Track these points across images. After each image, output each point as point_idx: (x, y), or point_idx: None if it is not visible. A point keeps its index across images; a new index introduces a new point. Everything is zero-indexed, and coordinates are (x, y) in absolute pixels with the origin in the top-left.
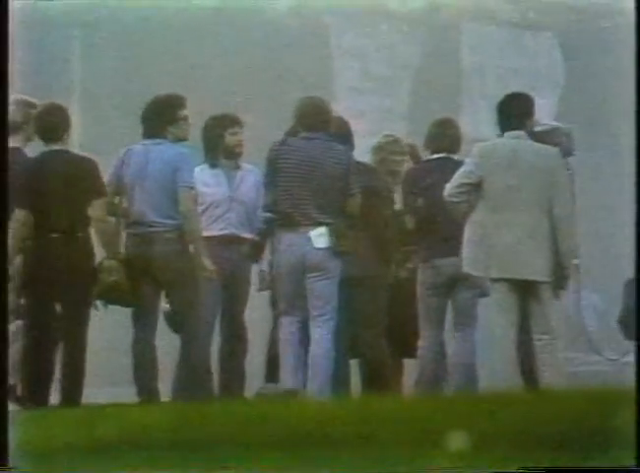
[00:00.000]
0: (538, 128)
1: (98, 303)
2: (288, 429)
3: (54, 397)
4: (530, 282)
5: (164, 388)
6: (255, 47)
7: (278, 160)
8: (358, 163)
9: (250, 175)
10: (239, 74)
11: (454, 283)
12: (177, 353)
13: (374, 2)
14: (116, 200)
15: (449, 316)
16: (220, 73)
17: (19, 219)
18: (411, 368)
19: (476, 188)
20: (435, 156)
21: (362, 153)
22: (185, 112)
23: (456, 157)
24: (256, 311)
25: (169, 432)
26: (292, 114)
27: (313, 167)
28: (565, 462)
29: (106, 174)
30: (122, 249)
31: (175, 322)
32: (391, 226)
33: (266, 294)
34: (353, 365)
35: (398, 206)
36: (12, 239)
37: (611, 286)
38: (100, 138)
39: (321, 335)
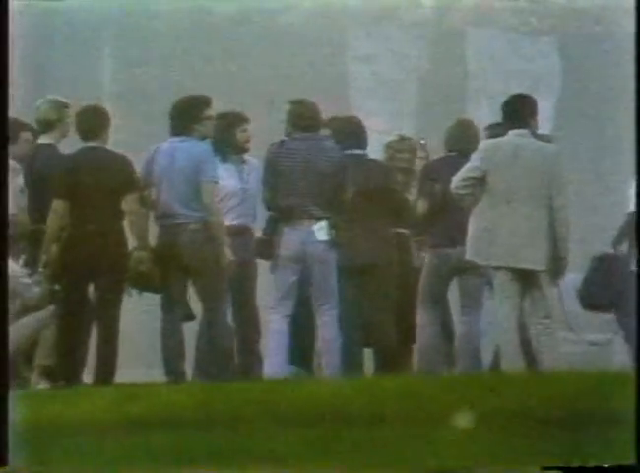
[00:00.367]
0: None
1: (131, 289)
2: (303, 408)
3: (87, 377)
4: (529, 270)
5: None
6: (273, 51)
7: (276, 160)
8: (370, 159)
9: (255, 169)
10: (258, 75)
11: (460, 271)
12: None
13: (385, 9)
14: (146, 194)
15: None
16: (239, 74)
17: (56, 209)
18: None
19: (480, 182)
20: (452, 153)
21: (374, 150)
22: (210, 112)
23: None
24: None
25: (195, 410)
26: (285, 117)
27: (309, 165)
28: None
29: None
30: (151, 240)
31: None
32: (401, 216)
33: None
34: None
35: (409, 198)
36: (49, 228)
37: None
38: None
39: (328, 322)
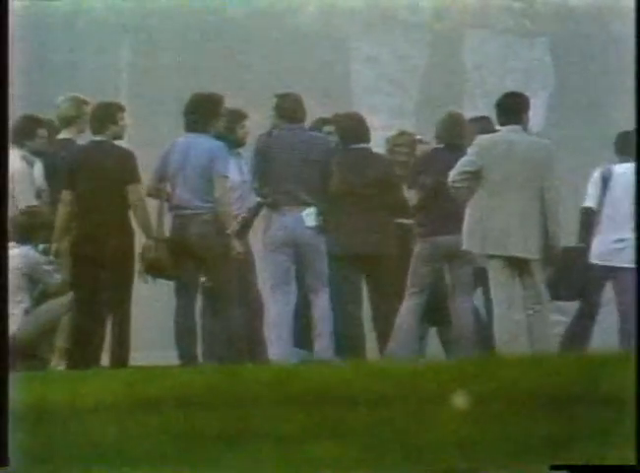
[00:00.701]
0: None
1: (146, 276)
2: (309, 389)
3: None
4: (522, 258)
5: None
6: (281, 51)
7: (264, 150)
8: (373, 153)
9: (245, 162)
10: (266, 73)
11: (449, 258)
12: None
13: (387, 12)
14: (162, 186)
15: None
16: (248, 72)
17: (64, 200)
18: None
19: (476, 176)
20: (441, 146)
21: (377, 145)
22: (223, 109)
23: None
24: None
25: (206, 391)
26: (272, 109)
27: (295, 154)
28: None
29: (154, 164)
30: (165, 230)
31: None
32: (399, 207)
33: None
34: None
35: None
36: (58, 218)
37: None
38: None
39: (320, 305)
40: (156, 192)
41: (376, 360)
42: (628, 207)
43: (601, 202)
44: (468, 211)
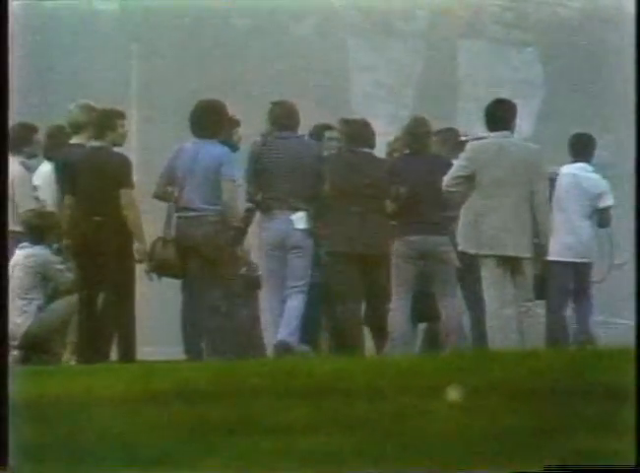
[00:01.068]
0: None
1: (152, 275)
2: (309, 383)
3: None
4: (514, 257)
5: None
6: (283, 60)
7: (258, 156)
8: (377, 157)
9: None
10: (271, 82)
11: (425, 258)
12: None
13: (384, 22)
14: (169, 189)
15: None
16: (253, 80)
17: (67, 204)
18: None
19: (469, 180)
20: (408, 152)
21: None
22: (227, 117)
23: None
24: None
25: (211, 385)
26: (267, 117)
27: (289, 161)
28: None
29: (162, 168)
30: (172, 230)
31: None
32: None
33: None
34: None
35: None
36: (62, 221)
37: None
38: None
39: (294, 304)
40: (163, 195)
41: (374, 355)
42: (575, 205)
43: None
44: (462, 213)
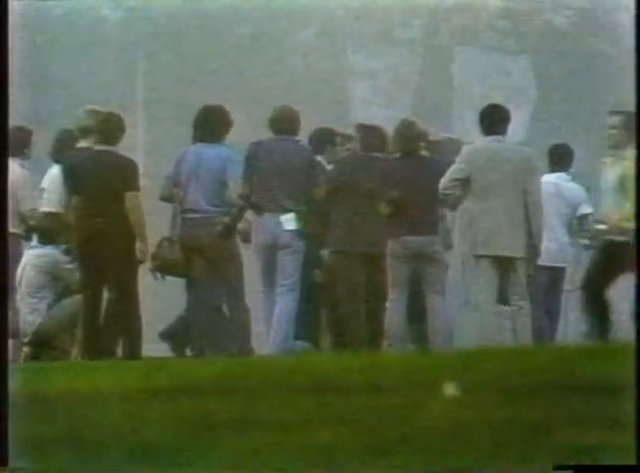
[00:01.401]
0: (433, 138)
1: (157, 274)
2: (310, 378)
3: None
4: (508, 257)
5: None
6: (285, 66)
7: (253, 158)
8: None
9: None
10: (272, 87)
11: (418, 258)
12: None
13: (382, 31)
14: (175, 191)
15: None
16: (257, 86)
17: (75, 205)
18: None
19: (464, 182)
20: (398, 154)
21: None
22: (231, 120)
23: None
24: None
25: (214, 381)
26: (267, 120)
27: (281, 163)
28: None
29: (168, 171)
30: (177, 231)
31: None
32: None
33: None
34: None
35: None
36: (71, 222)
37: None
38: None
39: (284, 302)
40: (169, 197)
41: (373, 351)
42: (555, 212)
43: None
44: (458, 215)
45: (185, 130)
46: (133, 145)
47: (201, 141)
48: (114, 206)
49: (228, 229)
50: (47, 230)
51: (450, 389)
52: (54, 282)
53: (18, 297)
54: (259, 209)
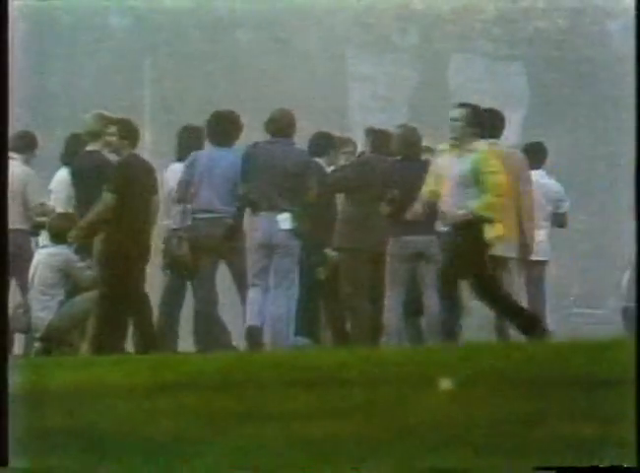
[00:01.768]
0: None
1: (167, 271)
2: (310, 373)
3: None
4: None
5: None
6: (287, 72)
7: (250, 159)
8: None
9: None
10: (274, 92)
11: (417, 256)
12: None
13: (381, 37)
14: (188, 193)
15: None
16: (259, 91)
17: (106, 203)
18: None
19: None
20: (398, 157)
21: None
22: (241, 124)
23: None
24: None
25: (219, 375)
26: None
27: (277, 165)
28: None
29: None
30: (188, 230)
31: None
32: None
33: None
34: None
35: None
36: (96, 218)
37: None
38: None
39: (280, 300)
40: (183, 198)
41: (370, 347)
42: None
43: None
44: None
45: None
46: (140, 149)
47: (213, 144)
48: (135, 210)
49: (232, 228)
50: (59, 229)
51: (446, 383)
52: (66, 280)
53: (30, 294)
54: (256, 208)
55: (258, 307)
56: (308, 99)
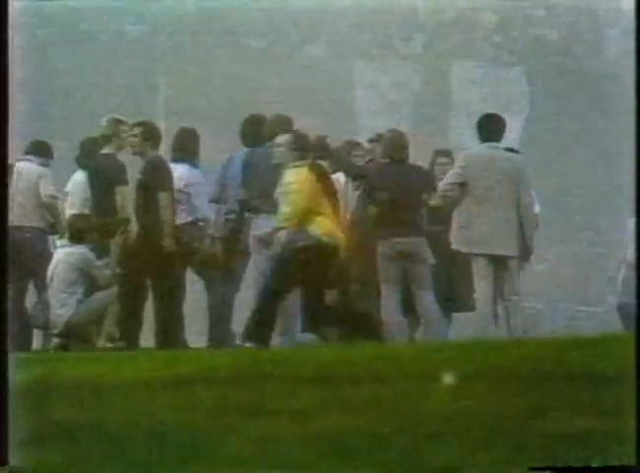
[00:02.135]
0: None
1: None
2: (318, 369)
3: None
4: (502, 256)
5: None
6: (295, 78)
7: (249, 164)
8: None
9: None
10: (284, 98)
11: (406, 257)
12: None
13: (387, 45)
14: (223, 193)
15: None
16: (268, 96)
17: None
18: None
19: (462, 186)
20: (387, 160)
21: None
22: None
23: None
24: None
25: (231, 371)
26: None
27: (273, 168)
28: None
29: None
30: (221, 230)
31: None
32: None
33: None
34: None
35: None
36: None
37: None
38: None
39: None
40: (218, 198)
41: (376, 344)
42: None
43: None
44: (455, 216)
45: (203, 137)
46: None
47: (247, 146)
48: (152, 206)
49: (234, 232)
50: (78, 230)
51: (449, 379)
52: (84, 278)
53: (50, 292)
54: (256, 211)
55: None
56: (315, 103)
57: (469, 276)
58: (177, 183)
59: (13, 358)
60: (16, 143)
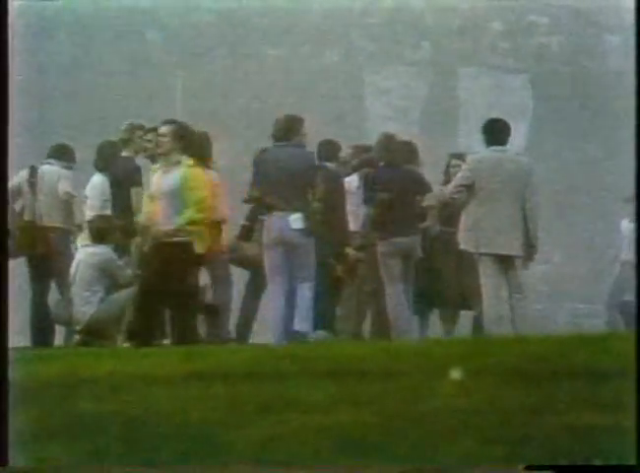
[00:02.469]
0: None
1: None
2: (332, 365)
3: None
4: (508, 256)
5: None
6: (308, 85)
7: (260, 163)
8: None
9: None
10: (299, 105)
11: (405, 256)
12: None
13: (395, 52)
14: (257, 192)
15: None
16: (279, 101)
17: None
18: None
19: (469, 188)
20: (382, 163)
21: None
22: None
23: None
24: None
25: (246, 366)
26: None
27: (285, 167)
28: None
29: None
30: (257, 230)
31: None
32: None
33: None
34: None
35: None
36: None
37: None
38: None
39: (303, 292)
40: (253, 198)
41: (387, 340)
42: None
43: None
44: (463, 217)
45: (220, 141)
46: None
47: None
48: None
49: (247, 230)
50: (100, 230)
51: (456, 374)
52: (105, 277)
53: (72, 290)
54: (269, 209)
55: (279, 303)
56: (329, 110)
57: (476, 275)
58: None
59: (31, 354)
60: (16, 143)
